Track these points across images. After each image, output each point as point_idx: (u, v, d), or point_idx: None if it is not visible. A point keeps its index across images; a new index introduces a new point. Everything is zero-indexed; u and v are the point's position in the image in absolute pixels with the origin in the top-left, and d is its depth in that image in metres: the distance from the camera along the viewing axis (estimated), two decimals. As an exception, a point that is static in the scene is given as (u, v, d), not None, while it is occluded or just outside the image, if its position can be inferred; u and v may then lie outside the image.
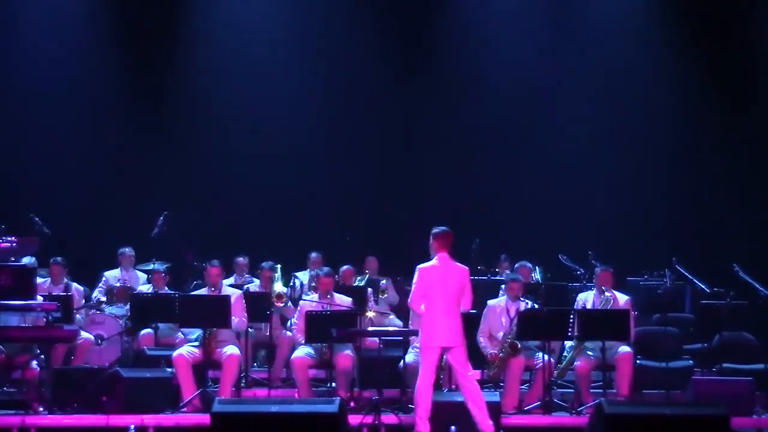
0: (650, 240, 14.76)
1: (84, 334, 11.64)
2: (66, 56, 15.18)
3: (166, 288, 12.30)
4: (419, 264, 9.77)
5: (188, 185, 15.07)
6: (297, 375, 10.94)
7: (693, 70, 15.31)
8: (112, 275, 13.11)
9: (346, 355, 10.92)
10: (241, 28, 15.52)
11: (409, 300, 9.87)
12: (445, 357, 9.89)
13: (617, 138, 15.42)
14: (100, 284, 13.00)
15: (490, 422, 9.51)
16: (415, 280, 9.74)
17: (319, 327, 10.70)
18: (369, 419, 9.94)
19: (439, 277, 9.66)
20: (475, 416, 9.52)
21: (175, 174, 15.08)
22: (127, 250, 13.19)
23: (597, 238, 13.93)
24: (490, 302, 11.36)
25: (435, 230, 9.87)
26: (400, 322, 12.37)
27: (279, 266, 12.60)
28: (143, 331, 11.90)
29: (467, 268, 9.92)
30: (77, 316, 11.94)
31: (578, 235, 14.09)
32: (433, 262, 9.76)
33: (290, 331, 11.93)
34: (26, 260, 11.54)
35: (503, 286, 11.63)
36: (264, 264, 12.61)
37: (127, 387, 10.24)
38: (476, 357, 11.58)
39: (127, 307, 12.18)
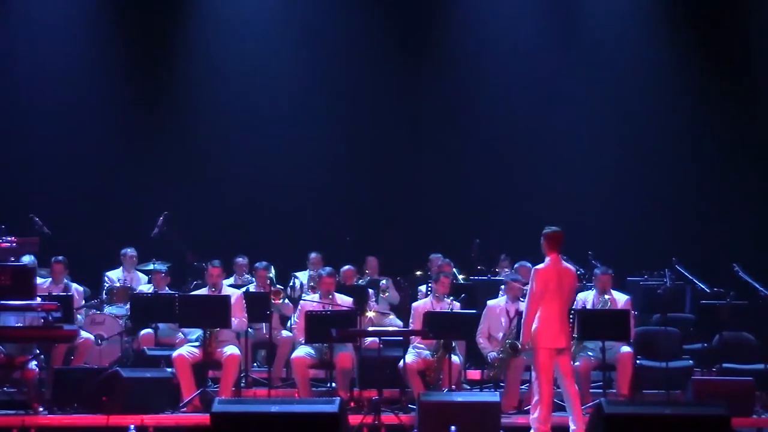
0: (650, 240, 14.76)
1: (84, 334, 11.64)
2: (66, 57, 15.19)
3: (167, 288, 12.29)
4: (534, 265, 9.84)
5: (188, 185, 15.07)
6: (297, 375, 10.95)
7: (694, 70, 15.31)
8: (114, 275, 13.12)
9: (346, 355, 10.92)
10: (241, 28, 15.52)
11: (526, 303, 9.78)
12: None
13: (617, 138, 15.42)
14: (106, 285, 12.99)
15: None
16: (532, 282, 9.70)
17: (319, 327, 10.69)
18: (369, 419, 9.94)
19: (555, 279, 9.68)
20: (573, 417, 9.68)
21: (175, 174, 15.08)
22: (130, 251, 13.20)
23: (597, 238, 13.93)
24: (490, 302, 11.36)
25: (546, 230, 9.84)
26: (400, 322, 12.37)
27: (272, 266, 12.63)
28: (143, 331, 11.90)
29: (574, 269, 10.04)
30: (78, 316, 11.94)
31: (578, 235, 14.06)
32: (548, 262, 9.74)
33: (290, 330, 11.94)
34: (26, 259, 11.54)
35: (503, 286, 11.62)
36: (258, 264, 12.62)
37: (127, 387, 10.23)
38: (476, 357, 11.64)
39: (127, 307, 12.18)
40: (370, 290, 12.63)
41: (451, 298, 11.25)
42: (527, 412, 10.64)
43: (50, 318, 10.13)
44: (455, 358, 10.86)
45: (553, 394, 9.78)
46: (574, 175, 15.29)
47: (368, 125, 15.53)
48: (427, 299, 11.50)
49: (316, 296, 11.51)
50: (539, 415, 9.71)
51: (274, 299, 12.03)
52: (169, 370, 10.73)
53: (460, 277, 13.24)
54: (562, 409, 10.66)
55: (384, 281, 13.47)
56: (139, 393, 10.26)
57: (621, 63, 15.51)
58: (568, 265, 10.09)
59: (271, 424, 8.79)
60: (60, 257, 12.20)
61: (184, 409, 10.49)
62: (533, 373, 10.13)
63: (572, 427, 9.70)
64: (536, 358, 9.73)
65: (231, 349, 10.79)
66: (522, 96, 15.42)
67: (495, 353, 10.98)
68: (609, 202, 15.10)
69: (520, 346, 10.81)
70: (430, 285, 11.91)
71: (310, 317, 10.85)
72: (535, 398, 9.79)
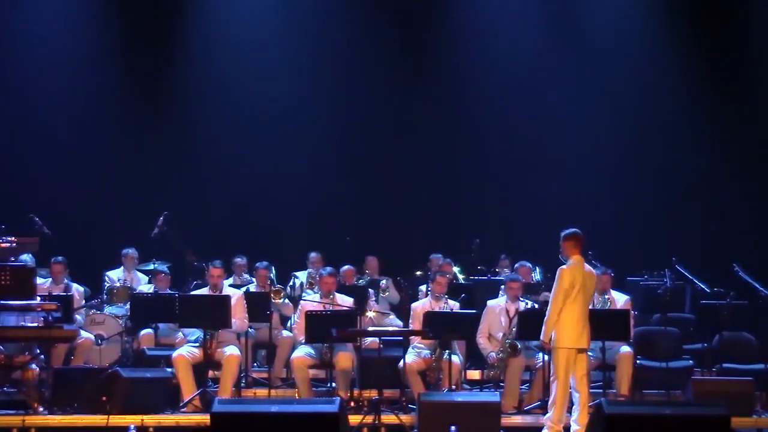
0: (650, 240, 14.76)
1: (84, 334, 11.65)
2: (67, 57, 15.18)
3: (167, 288, 12.28)
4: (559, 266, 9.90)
5: (188, 185, 15.07)
6: (297, 375, 10.94)
7: (695, 71, 15.30)
8: (114, 275, 13.13)
9: (346, 355, 10.92)
10: (241, 30, 15.51)
11: (551, 302, 9.85)
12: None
13: (617, 138, 15.42)
14: (106, 284, 13.01)
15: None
16: (558, 282, 9.77)
17: (319, 327, 10.70)
18: (369, 419, 9.95)
19: (580, 279, 9.76)
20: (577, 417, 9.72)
21: (175, 174, 15.08)
22: (130, 251, 13.22)
23: (597, 238, 13.90)
24: (490, 302, 11.37)
25: (566, 232, 9.92)
26: (400, 322, 12.37)
27: (272, 266, 12.65)
28: (143, 331, 11.89)
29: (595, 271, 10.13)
30: (77, 316, 11.93)
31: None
32: (573, 263, 9.80)
33: (290, 330, 11.94)
34: (24, 257, 11.54)
35: (503, 286, 11.62)
36: (259, 264, 12.62)
37: (127, 387, 10.23)
38: (476, 357, 11.64)
39: (127, 307, 12.19)
40: (370, 290, 12.64)
41: (447, 296, 11.25)
42: (527, 412, 10.69)
43: (50, 318, 10.13)
44: (455, 358, 10.86)
45: (569, 395, 9.78)
46: (574, 175, 15.28)
47: (368, 125, 15.51)
48: (426, 299, 11.51)
49: (316, 296, 11.52)
50: (553, 415, 9.72)
51: (274, 298, 12.03)
52: (169, 370, 10.73)
53: (461, 277, 13.24)
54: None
55: (384, 281, 13.47)
56: (139, 393, 10.26)
57: (621, 64, 15.48)
58: (590, 267, 10.12)
59: (271, 424, 8.79)
60: (59, 258, 12.20)
61: (184, 409, 10.50)
62: (549, 374, 10.16)
63: (574, 427, 9.71)
64: (556, 357, 9.76)
65: (231, 349, 10.79)
66: (522, 97, 15.41)
67: (495, 353, 10.98)
68: (609, 202, 15.09)
69: (519, 346, 10.85)
70: (430, 285, 11.91)
71: (310, 317, 10.85)
72: (550, 398, 9.81)
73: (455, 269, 13.28)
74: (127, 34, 15.30)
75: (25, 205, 13.04)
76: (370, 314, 11.86)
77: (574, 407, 9.79)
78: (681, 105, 15.42)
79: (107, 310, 12.53)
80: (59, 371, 10.76)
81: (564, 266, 9.85)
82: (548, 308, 9.87)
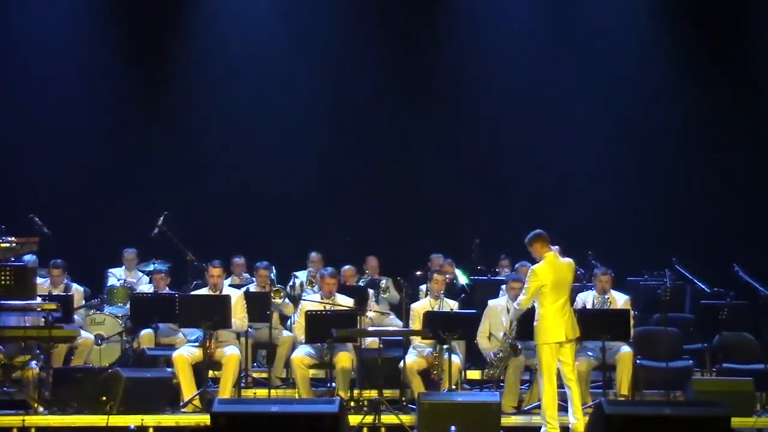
0: (650, 240, 14.76)
1: (84, 334, 11.65)
2: (67, 57, 15.18)
3: (167, 288, 12.28)
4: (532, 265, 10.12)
5: (188, 185, 15.07)
6: (297, 374, 10.94)
7: (696, 69, 15.28)
8: (117, 272, 13.15)
9: (346, 355, 10.92)
10: (240, 30, 15.51)
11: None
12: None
13: (617, 138, 15.41)
14: (109, 277, 13.00)
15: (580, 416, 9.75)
16: (528, 281, 9.91)
17: (319, 327, 10.70)
18: (369, 419, 9.95)
19: (551, 277, 9.83)
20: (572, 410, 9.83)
21: (176, 174, 15.08)
22: (130, 251, 13.23)
23: (597, 238, 13.93)
24: (491, 302, 11.37)
25: (529, 236, 10.06)
26: (400, 322, 12.36)
27: (272, 266, 12.65)
28: (143, 331, 11.89)
29: (572, 261, 10.18)
30: (76, 316, 11.93)
31: (578, 235, 14.08)
32: (546, 262, 9.88)
33: (290, 330, 11.94)
34: (27, 258, 11.54)
35: (503, 286, 11.62)
36: (259, 264, 12.63)
37: (127, 387, 10.23)
38: (476, 357, 11.64)
39: (127, 307, 12.18)
40: (370, 290, 12.63)
41: (442, 293, 11.26)
42: (527, 413, 10.68)
43: (50, 318, 10.13)
44: (455, 358, 10.85)
45: (556, 389, 9.79)
46: (574, 175, 15.28)
47: (369, 125, 15.51)
48: (426, 299, 11.51)
49: (316, 296, 11.51)
50: (545, 413, 9.73)
51: (273, 297, 12.03)
52: (169, 370, 10.73)
53: (462, 279, 13.23)
54: (561, 408, 10.69)
55: (384, 281, 13.47)
56: (139, 393, 10.26)
57: (621, 66, 15.45)
58: (565, 259, 10.10)
59: (271, 424, 8.80)
60: (58, 261, 12.17)
61: (184, 409, 10.50)
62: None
63: (572, 420, 9.72)
64: (539, 354, 9.82)
65: (231, 349, 10.80)
66: (522, 97, 15.40)
67: (494, 353, 10.98)
68: (609, 202, 15.09)
69: (520, 346, 10.86)
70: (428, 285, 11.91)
71: (311, 317, 10.85)
72: (541, 397, 9.82)
73: (458, 271, 13.29)
74: (126, 35, 15.29)
75: (25, 205, 13.03)
76: (370, 314, 11.85)
77: (568, 403, 9.82)
78: (681, 106, 15.40)
79: (107, 310, 12.54)
80: (59, 371, 10.77)
81: (534, 266, 9.91)
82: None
